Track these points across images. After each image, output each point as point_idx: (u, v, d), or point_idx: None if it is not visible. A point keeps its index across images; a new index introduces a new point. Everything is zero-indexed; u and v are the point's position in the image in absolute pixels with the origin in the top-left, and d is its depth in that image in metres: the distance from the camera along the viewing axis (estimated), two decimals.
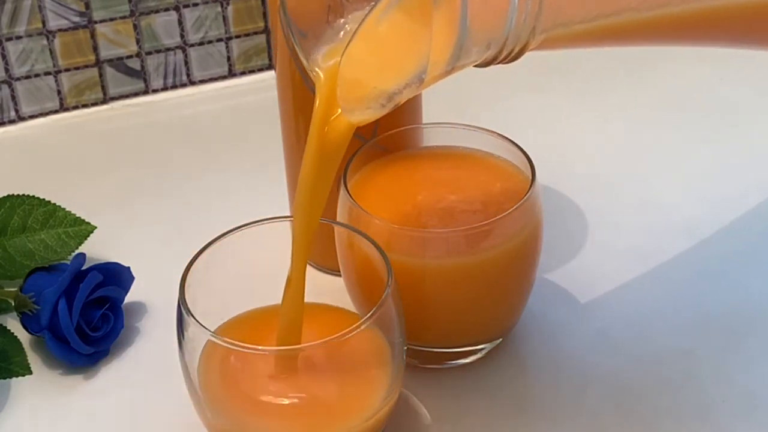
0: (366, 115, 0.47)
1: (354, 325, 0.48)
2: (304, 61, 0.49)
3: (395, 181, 0.59)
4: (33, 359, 0.60)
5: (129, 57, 0.80)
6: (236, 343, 0.48)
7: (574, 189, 0.71)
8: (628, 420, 0.56)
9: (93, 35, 0.79)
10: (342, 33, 0.50)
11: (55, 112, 0.80)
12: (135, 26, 0.79)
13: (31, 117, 0.80)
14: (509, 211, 0.54)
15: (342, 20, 0.50)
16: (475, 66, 0.46)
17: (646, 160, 0.74)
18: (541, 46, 0.46)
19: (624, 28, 0.47)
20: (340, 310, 0.55)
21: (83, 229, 0.63)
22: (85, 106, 0.81)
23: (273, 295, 0.53)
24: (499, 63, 0.46)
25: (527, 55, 0.47)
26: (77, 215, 0.64)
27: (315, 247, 0.51)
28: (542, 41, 0.46)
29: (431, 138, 0.61)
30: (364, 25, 0.44)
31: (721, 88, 0.81)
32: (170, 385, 0.55)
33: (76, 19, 0.78)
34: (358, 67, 0.46)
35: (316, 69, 0.49)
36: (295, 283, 0.50)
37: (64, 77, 0.79)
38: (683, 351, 0.59)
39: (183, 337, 0.50)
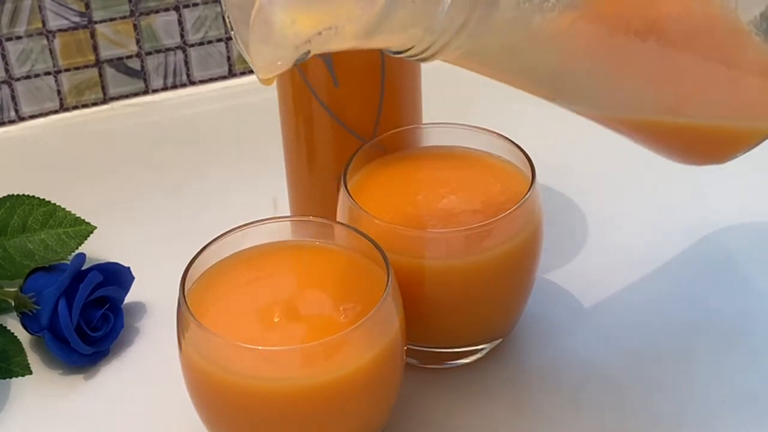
0: (276, 56, 0.46)
1: (353, 326, 0.48)
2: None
3: (395, 181, 0.59)
4: (33, 359, 0.60)
5: (129, 57, 0.80)
6: (237, 343, 0.48)
7: (574, 189, 0.71)
8: (628, 420, 0.56)
9: (93, 35, 0.79)
10: None
11: (55, 112, 0.80)
12: (135, 26, 0.79)
13: (31, 117, 0.80)
14: (509, 211, 0.54)
15: None
16: (391, 52, 0.47)
17: (645, 160, 0.74)
18: (458, 61, 0.47)
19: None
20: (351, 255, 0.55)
21: (83, 229, 0.63)
22: (85, 106, 0.81)
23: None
24: (410, 56, 0.46)
25: None
26: (77, 215, 0.64)
27: None
28: (460, 55, 0.47)
29: (431, 138, 0.61)
30: None
31: None
32: (170, 385, 0.55)
33: (76, 19, 0.78)
34: None
35: None
36: None
37: (64, 77, 0.79)
38: (683, 351, 0.59)
39: (183, 337, 0.50)
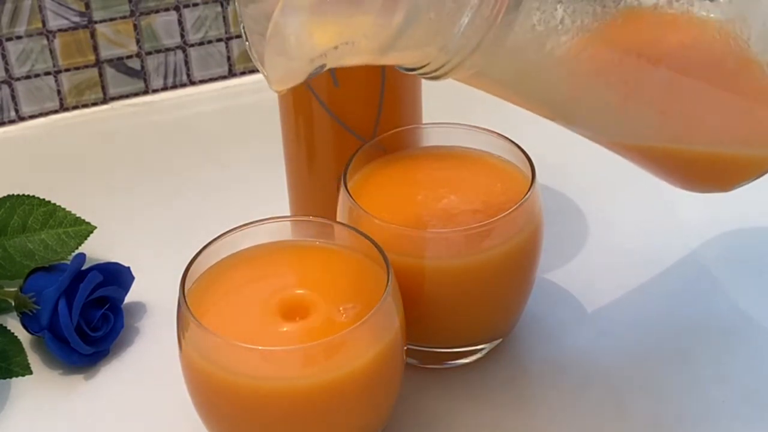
0: (289, 69, 0.46)
1: (353, 326, 0.48)
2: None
3: (395, 181, 0.59)
4: (33, 359, 0.60)
5: (129, 57, 0.80)
6: (237, 343, 0.48)
7: (574, 189, 0.71)
8: (628, 420, 0.56)
9: (93, 35, 0.79)
10: None
11: (55, 112, 0.80)
12: (135, 26, 0.79)
13: (31, 117, 0.80)
14: (509, 211, 0.54)
15: None
16: (403, 69, 0.47)
17: None
18: (469, 80, 0.48)
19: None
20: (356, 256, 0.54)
21: (83, 229, 0.63)
22: (85, 106, 0.81)
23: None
24: (423, 73, 0.47)
25: None
26: (77, 215, 0.64)
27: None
28: (471, 75, 0.47)
29: (431, 138, 0.61)
30: None
31: None
32: (170, 385, 0.55)
33: (76, 19, 0.78)
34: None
35: None
36: None
37: (64, 77, 0.79)
38: (683, 351, 0.59)
39: (183, 337, 0.50)
